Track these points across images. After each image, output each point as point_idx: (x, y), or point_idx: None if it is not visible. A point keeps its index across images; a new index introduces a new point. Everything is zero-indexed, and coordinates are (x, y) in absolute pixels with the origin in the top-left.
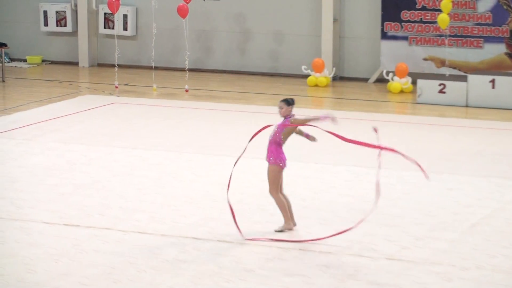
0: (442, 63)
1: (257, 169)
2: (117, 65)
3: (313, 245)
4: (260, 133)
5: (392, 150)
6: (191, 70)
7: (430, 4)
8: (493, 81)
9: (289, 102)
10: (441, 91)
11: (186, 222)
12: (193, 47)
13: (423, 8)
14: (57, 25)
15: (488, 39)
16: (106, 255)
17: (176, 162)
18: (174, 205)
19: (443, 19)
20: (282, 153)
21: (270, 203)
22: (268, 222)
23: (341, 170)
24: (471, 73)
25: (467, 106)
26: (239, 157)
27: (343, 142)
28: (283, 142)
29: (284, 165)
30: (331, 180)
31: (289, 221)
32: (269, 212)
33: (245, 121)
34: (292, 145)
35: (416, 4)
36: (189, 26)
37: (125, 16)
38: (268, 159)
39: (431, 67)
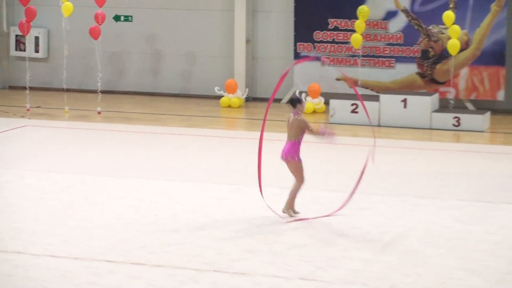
0: (354, 83)
1: (171, 192)
2: (29, 87)
3: (228, 266)
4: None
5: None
6: (103, 92)
7: (343, 24)
8: (405, 100)
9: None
10: (353, 111)
11: (99, 245)
12: (105, 69)
13: (336, 29)
14: None
15: (400, 59)
16: (18, 280)
17: (88, 184)
18: (86, 228)
19: (356, 39)
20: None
21: (184, 225)
22: (181, 244)
23: (255, 191)
24: (383, 93)
25: (379, 125)
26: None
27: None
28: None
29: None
30: (245, 201)
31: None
32: (183, 234)
33: (158, 142)
34: (207, 167)
35: (329, 24)
36: (101, 48)
37: (36, 38)
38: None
39: (344, 87)
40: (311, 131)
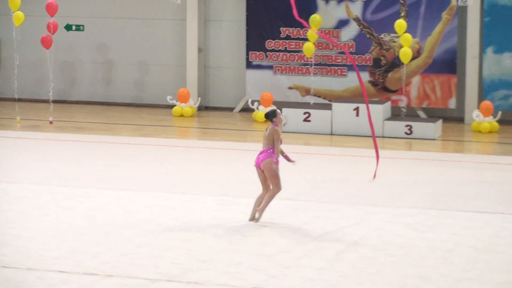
0: (307, 91)
1: (124, 201)
2: None
3: (182, 275)
4: None
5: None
6: (55, 101)
7: (294, 33)
8: (357, 109)
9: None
10: (306, 120)
11: (52, 256)
12: (57, 78)
13: (288, 37)
14: None
15: (352, 68)
16: None
17: (41, 194)
18: (39, 238)
19: (308, 48)
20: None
21: (138, 234)
22: (135, 253)
23: (208, 200)
24: (335, 101)
25: (332, 134)
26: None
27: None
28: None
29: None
30: (198, 210)
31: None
32: (136, 243)
33: (111, 152)
34: (159, 177)
35: (281, 33)
36: (53, 57)
37: None
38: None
39: (296, 96)
40: (276, 144)
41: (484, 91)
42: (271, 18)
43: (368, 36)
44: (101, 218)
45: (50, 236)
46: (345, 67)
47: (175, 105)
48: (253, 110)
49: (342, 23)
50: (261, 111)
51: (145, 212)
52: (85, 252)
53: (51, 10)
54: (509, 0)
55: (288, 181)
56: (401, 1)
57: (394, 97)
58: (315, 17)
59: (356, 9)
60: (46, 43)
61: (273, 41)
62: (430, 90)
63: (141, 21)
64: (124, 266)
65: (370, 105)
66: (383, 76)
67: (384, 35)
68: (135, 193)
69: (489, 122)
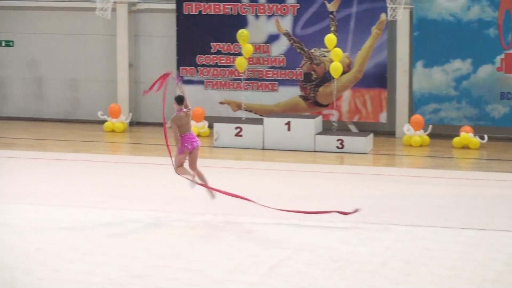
0: (238, 106)
1: (55, 216)
2: None
3: None
4: None
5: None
6: None
7: (225, 48)
8: (288, 123)
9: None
10: (237, 134)
11: None
12: None
13: (218, 52)
14: None
15: (283, 82)
16: None
17: None
18: None
19: (241, 62)
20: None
21: (68, 250)
22: (66, 269)
23: (139, 216)
24: (266, 116)
25: (263, 148)
26: None
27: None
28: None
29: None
30: (131, 226)
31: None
32: (69, 259)
33: (42, 168)
34: (91, 192)
35: (211, 48)
36: None
37: None
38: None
39: (227, 111)
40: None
41: (415, 105)
42: (201, 33)
43: (298, 50)
44: (32, 234)
45: None
46: (276, 82)
47: (106, 121)
48: None
49: (273, 38)
50: (192, 126)
51: (76, 228)
52: (17, 269)
53: None
54: (438, 15)
55: (218, 196)
56: (331, 16)
57: (325, 111)
58: (242, 32)
59: (286, 24)
60: None
61: (204, 56)
62: (361, 104)
63: (71, 36)
64: (58, 282)
65: (302, 120)
66: (314, 90)
67: (314, 49)
68: (65, 209)
69: (420, 136)
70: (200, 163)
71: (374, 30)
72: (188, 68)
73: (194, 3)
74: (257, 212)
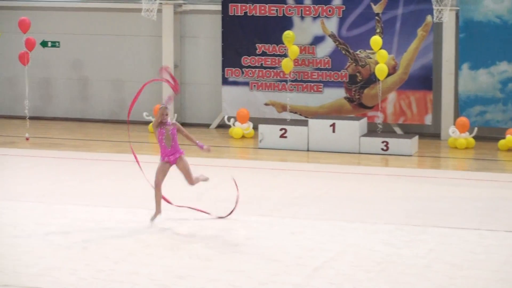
0: (283, 108)
1: (100, 217)
2: None
3: None
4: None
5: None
6: (32, 118)
7: (270, 49)
8: (333, 125)
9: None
10: (282, 136)
11: (28, 272)
12: (33, 95)
13: (263, 54)
14: None
15: (328, 84)
16: None
17: (16, 211)
18: (15, 255)
19: (287, 64)
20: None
21: (114, 251)
22: (111, 270)
23: (185, 216)
24: (311, 118)
25: (308, 150)
26: None
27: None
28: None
29: (163, 160)
30: (175, 227)
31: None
32: (112, 260)
33: (87, 168)
34: (135, 193)
35: (257, 49)
36: (29, 74)
37: None
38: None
39: (272, 112)
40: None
41: (460, 107)
42: (246, 34)
43: (343, 52)
44: (77, 234)
45: (25, 252)
46: (321, 84)
47: (151, 121)
48: (229, 127)
49: (318, 40)
50: (237, 127)
51: (121, 229)
52: (61, 269)
53: (24, 27)
54: (484, 17)
55: (264, 197)
56: (377, 18)
57: (370, 113)
58: (288, 34)
59: (332, 26)
60: (24, 59)
61: (249, 58)
62: (406, 106)
63: (116, 37)
64: (101, 282)
65: (347, 121)
66: (359, 92)
67: (359, 51)
68: (111, 209)
69: (465, 138)
70: (246, 164)
71: (419, 32)
72: (233, 69)
73: (239, 4)
74: (300, 214)
